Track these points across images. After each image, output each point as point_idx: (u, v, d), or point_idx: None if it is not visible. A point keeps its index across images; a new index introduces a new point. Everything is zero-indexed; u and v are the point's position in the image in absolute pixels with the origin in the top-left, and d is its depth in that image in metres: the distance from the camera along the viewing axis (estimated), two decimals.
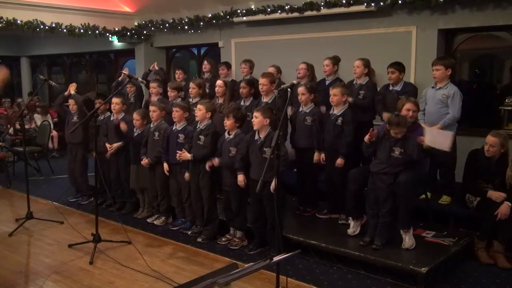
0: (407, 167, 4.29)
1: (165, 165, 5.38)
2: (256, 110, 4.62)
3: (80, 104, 6.37)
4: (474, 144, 5.03)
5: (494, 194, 4.45)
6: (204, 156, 4.96)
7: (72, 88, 6.37)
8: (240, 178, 4.66)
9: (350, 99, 5.11)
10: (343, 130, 4.84)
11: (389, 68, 5.27)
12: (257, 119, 4.53)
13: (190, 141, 5.15)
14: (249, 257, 4.60)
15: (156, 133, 5.48)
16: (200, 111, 5.02)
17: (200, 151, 4.98)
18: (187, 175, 5.18)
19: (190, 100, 6.01)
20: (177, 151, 5.09)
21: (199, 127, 5.08)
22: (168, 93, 6.16)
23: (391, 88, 5.31)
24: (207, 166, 4.95)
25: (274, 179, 3.50)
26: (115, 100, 5.89)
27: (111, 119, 6.04)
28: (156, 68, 7.17)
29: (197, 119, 5.09)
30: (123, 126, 5.75)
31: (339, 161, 4.83)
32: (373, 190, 4.41)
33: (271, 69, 6.18)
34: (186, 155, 5.03)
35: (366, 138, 4.40)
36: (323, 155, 4.99)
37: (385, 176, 4.32)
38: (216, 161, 4.90)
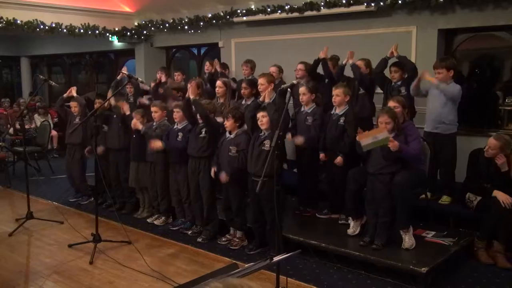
0: (403, 166, 4.29)
1: (212, 170, 4.97)
2: (261, 110, 4.59)
3: (83, 106, 6.36)
4: (474, 144, 5.03)
5: (501, 196, 4.39)
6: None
7: (73, 91, 6.36)
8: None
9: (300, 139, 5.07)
10: (344, 130, 4.84)
11: (392, 68, 5.27)
12: (265, 118, 4.53)
13: (188, 139, 5.17)
14: (249, 257, 4.59)
15: (158, 131, 5.48)
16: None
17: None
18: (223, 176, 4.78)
19: None
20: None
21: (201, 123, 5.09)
22: None
23: (393, 83, 5.31)
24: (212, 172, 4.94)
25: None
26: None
27: (114, 116, 6.02)
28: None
29: (200, 121, 5.09)
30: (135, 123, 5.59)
31: (339, 160, 4.82)
32: (371, 190, 4.41)
33: (272, 69, 6.17)
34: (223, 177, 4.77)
35: (357, 137, 4.40)
36: (322, 155, 4.98)
37: (381, 176, 4.32)
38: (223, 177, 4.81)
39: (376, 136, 4.21)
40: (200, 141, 5.03)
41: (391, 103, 4.50)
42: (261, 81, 5.30)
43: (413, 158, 4.36)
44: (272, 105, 4.68)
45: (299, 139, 4.97)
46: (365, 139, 4.24)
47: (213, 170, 4.91)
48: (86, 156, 6.39)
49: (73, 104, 6.41)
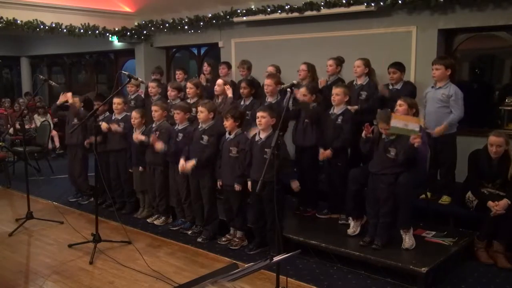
0: (407, 167, 4.29)
1: (181, 161, 5.06)
2: (262, 110, 4.58)
3: (79, 114, 6.27)
4: (474, 144, 5.02)
5: (493, 206, 4.36)
6: (208, 157, 4.94)
7: (68, 97, 6.19)
8: (250, 185, 4.67)
9: (355, 107, 5.17)
10: (343, 129, 4.85)
11: (390, 68, 5.28)
12: (265, 119, 4.51)
13: (189, 142, 5.15)
14: (249, 257, 4.59)
15: (157, 133, 5.48)
16: (202, 113, 5.01)
17: (203, 153, 4.93)
18: (190, 165, 4.94)
19: (188, 100, 6.01)
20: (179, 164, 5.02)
21: (201, 126, 5.07)
22: (168, 93, 6.17)
23: (391, 87, 5.31)
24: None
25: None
26: (116, 100, 5.91)
27: (113, 118, 6.06)
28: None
29: (200, 121, 5.08)
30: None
31: (327, 153, 4.81)
32: (373, 190, 4.40)
33: (270, 69, 6.17)
34: (188, 165, 4.92)
35: (363, 133, 4.43)
36: (328, 151, 4.89)
37: (384, 177, 4.31)
38: (189, 165, 4.90)
39: (407, 123, 4.11)
40: (201, 146, 5.02)
41: (398, 102, 4.49)
42: (268, 82, 5.31)
43: (422, 158, 4.35)
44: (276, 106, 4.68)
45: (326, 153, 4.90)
46: (397, 121, 4.12)
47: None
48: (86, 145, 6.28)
49: (72, 100, 6.41)
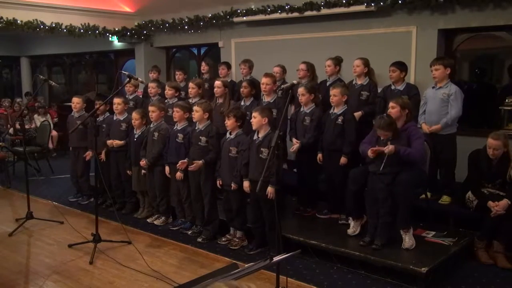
0: (405, 166, 4.29)
1: (166, 168, 5.36)
2: (254, 110, 4.62)
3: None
4: (474, 144, 5.02)
5: (494, 206, 4.37)
6: (212, 159, 4.96)
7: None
8: (245, 184, 4.64)
9: (359, 113, 5.20)
10: (343, 130, 4.84)
11: (390, 67, 5.28)
12: (256, 119, 4.53)
13: (188, 142, 5.15)
14: (249, 257, 4.59)
15: (156, 134, 5.48)
16: (197, 112, 5.02)
17: (209, 155, 4.96)
18: (179, 174, 5.14)
19: (190, 100, 6.01)
20: (186, 162, 5.04)
21: (198, 128, 5.08)
22: (165, 92, 6.17)
23: (393, 87, 5.31)
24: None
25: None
26: (116, 100, 5.90)
27: (114, 118, 6.06)
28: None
29: (194, 120, 5.09)
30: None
31: (343, 160, 4.83)
32: (372, 190, 4.40)
33: (276, 69, 6.15)
34: (198, 164, 4.94)
35: (369, 153, 4.33)
36: (320, 155, 4.98)
37: (383, 176, 4.31)
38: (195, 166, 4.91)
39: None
40: (201, 148, 5.02)
41: (390, 104, 4.51)
42: (266, 80, 5.30)
43: (417, 159, 4.33)
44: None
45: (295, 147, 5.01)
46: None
47: (218, 182, 4.94)
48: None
49: (75, 100, 6.42)
